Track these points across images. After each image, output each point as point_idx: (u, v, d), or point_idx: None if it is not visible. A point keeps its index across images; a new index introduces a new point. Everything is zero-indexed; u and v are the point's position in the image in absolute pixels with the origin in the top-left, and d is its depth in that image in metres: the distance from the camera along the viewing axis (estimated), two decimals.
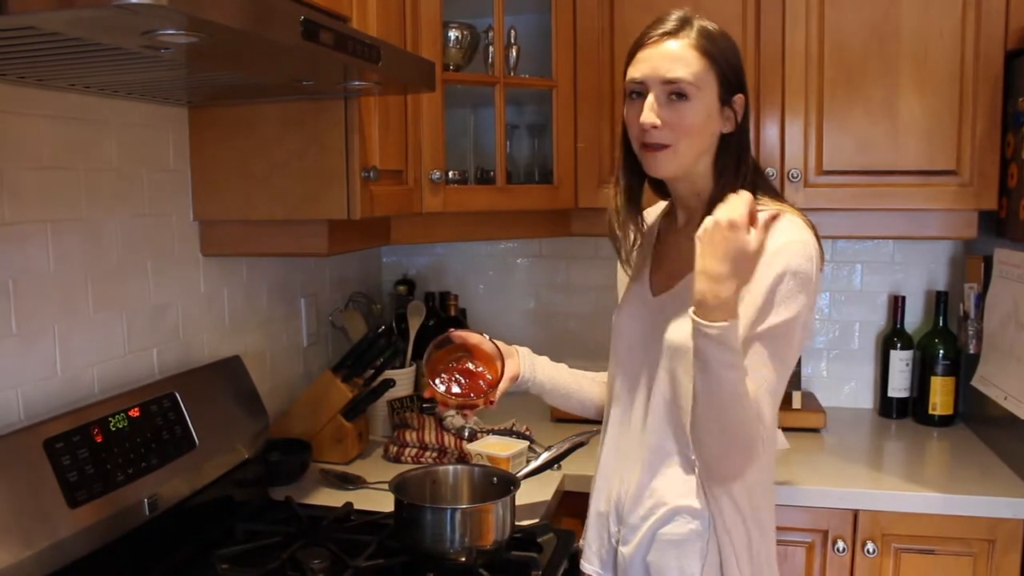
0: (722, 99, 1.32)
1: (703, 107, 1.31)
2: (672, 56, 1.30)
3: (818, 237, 1.31)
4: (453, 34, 2.03)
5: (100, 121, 1.48)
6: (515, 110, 2.34)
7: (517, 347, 1.58)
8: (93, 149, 1.47)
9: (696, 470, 1.33)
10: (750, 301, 1.26)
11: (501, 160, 2.06)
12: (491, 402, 1.49)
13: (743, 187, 1.32)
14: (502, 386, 1.49)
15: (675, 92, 1.30)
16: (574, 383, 1.60)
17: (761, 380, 1.26)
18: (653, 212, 1.53)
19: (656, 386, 1.37)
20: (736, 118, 1.34)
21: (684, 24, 1.31)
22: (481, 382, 1.50)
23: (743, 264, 1.17)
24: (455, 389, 1.49)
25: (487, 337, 1.53)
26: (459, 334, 1.54)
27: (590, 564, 1.48)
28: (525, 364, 1.55)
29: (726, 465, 1.28)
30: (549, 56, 2.14)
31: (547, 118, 2.19)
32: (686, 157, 1.33)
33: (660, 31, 1.32)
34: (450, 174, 2.04)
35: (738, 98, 1.34)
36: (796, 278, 1.25)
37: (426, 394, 1.52)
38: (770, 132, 2.05)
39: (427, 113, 1.88)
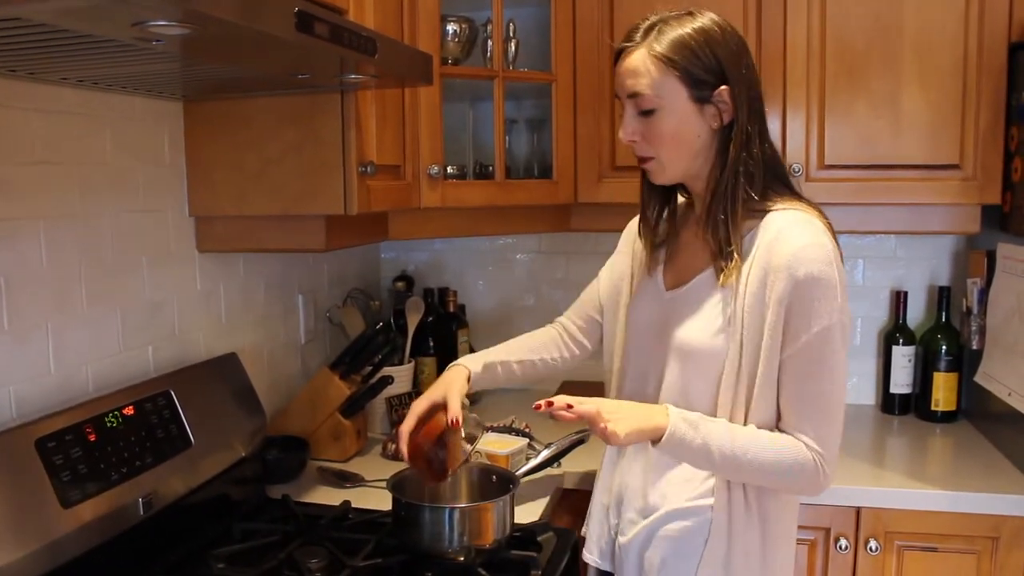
0: (697, 99, 1.27)
1: (672, 116, 1.28)
2: (630, 70, 1.28)
3: (834, 234, 1.30)
4: (451, 27, 2.01)
5: (93, 115, 1.46)
6: (514, 104, 2.32)
7: (451, 370, 1.53)
8: (86, 144, 1.45)
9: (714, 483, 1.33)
10: (776, 313, 1.24)
11: (500, 155, 2.04)
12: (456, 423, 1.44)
13: (735, 179, 1.28)
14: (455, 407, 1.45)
15: (640, 107, 1.29)
16: (521, 376, 1.64)
17: (805, 396, 1.26)
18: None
19: (665, 382, 1.36)
20: (724, 111, 1.28)
21: (646, 33, 1.28)
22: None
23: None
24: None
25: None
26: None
27: (590, 553, 1.49)
28: (461, 383, 1.50)
29: (797, 491, 1.34)
30: (548, 50, 2.12)
31: (546, 112, 2.17)
32: (673, 165, 1.32)
33: (623, 45, 1.30)
34: (448, 169, 2.03)
35: (722, 91, 1.27)
36: (819, 285, 1.23)
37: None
38: (771, 126, 1.99)
39: (425, 107, 1.86)
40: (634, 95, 1.28)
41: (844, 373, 1.29)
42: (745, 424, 1.29)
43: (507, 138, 2.17)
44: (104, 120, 1.48)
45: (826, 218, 1.31)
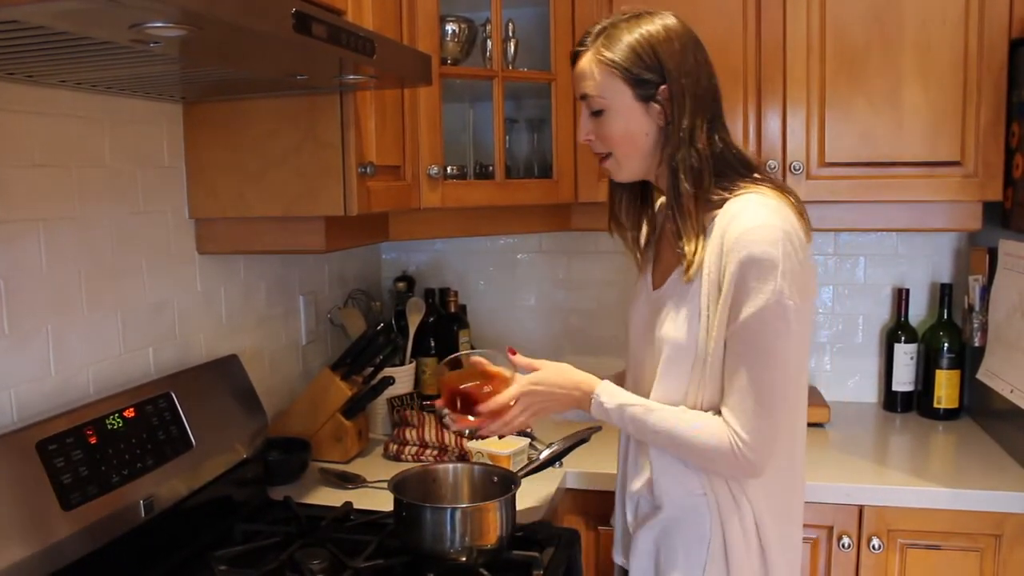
0: (641, 98, 1.30)
1: (619, 116, 1.32)
2: (579, 73, 1.35)
3: (802, 214, 1.30)
4: (450, 28, 2.01)
5: (92, 118, 1.46)
6: (514, 104, 2.31)
7: (544, 363, 1.50)
8: (86, 146, 1.45)
9: (701, 476, 1.34)
10: (723, 298, 1.25)
11: (500, 155, 2.04)
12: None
13: (675, 176, 1.30)
14: None
15: (591, 107, 1.34)
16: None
17: (736, 377, 1.26)
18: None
19: (655, 379, 1.37)
20: (668, 109, 1.30)
21: (596, 37, 1.33)
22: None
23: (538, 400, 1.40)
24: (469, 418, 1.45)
25: (504, 365, 1.47)
26: (475, 360, 1.47)
27: (615, 549, 1.52)
28: None
29: (723, 471, 1.32)
30: (548, 49, 2.11)
31: (546, 112, 2.17)
32: (628, 162, 1.36)
33: (576, 49, 1.36)
34: (448, 169, 2.02)
35: (661, 90, 1.30)
36: (759, 265, 1.22)
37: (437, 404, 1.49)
38: (772, 124, 2.03)
39: (424, 107, 1.86)
40: (584, 96, 1.35)
41: (789, 361, 1.26)
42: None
43: (507, 138, 2.16)
44: (103, 122, 1.48)
45: (792, 198, 1.31)
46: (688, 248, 1.29)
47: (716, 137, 1.32)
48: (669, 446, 1.33)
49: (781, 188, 1.32)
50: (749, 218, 1.25)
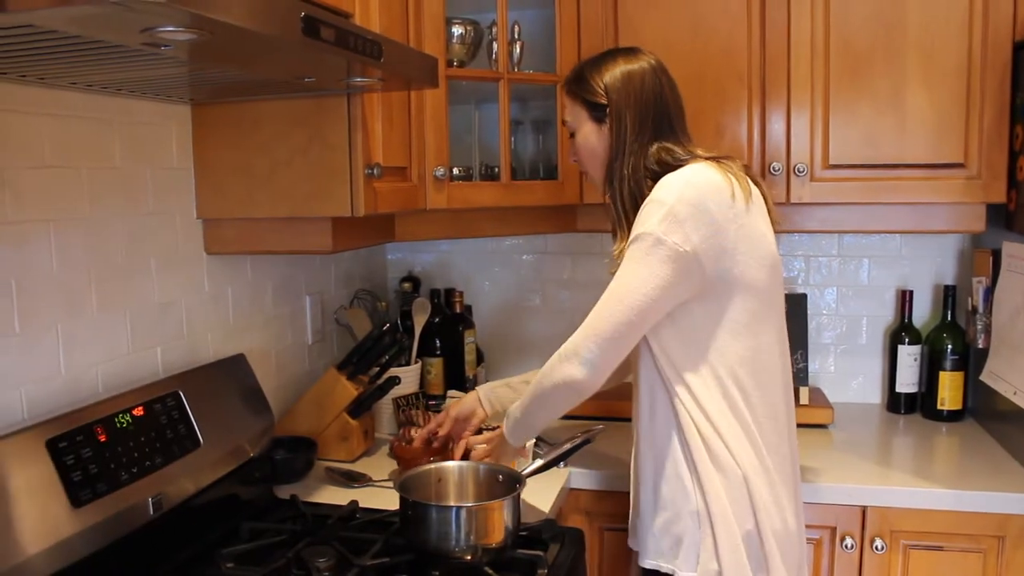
0: (594, 119, 1.51)
1: (584, 136, 1.53)
2: (563, 106, 1.60)
3: (733, 176, 1.39)
4: (457, 30, 2.02)
5: (102, 119, 1.47)
6: (519, 106, 2.32)
7: (471, 394, 1.78)
8: (96, 147, 1.46)
9: (676, 441, 1.42)
10: None
11: (505, 156, 2.05)
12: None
13: (624, 188, 1.46)
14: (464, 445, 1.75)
15: (568, 131, 1.58)
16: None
17: (615, 283, 1.37)
18: None
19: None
20: (612, 127, 1.48)
21: (571, 74, 1.56)
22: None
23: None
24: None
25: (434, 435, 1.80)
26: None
27: (630, 537, 1.59)
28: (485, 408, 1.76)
29: (569, 385, 1.42)
30: (553, 51, 2.12)
31: (551, 114, 2.18)
32: (596, 175, 1.55)
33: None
34: (454, 171, 2.03)
35: (608, 112, 1.48)
36: (652, 204, 1.36)
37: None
38: (776, 126, 2.03)
39: (431, 109, 1.87)
40: (564, 123, 1.59)
41: (645, 283, 1.34)
42: None
43: (512, 139, 2.17)
44: (113, 124, 1.50)
45: (724, 164, 1.41)
46: (619, 246, 1.45)
47: (663, 148, 1.46)
48: (538, 399, 1.49)
49: (715, 157, 1.44)
50: (661, 181, 1.39)
